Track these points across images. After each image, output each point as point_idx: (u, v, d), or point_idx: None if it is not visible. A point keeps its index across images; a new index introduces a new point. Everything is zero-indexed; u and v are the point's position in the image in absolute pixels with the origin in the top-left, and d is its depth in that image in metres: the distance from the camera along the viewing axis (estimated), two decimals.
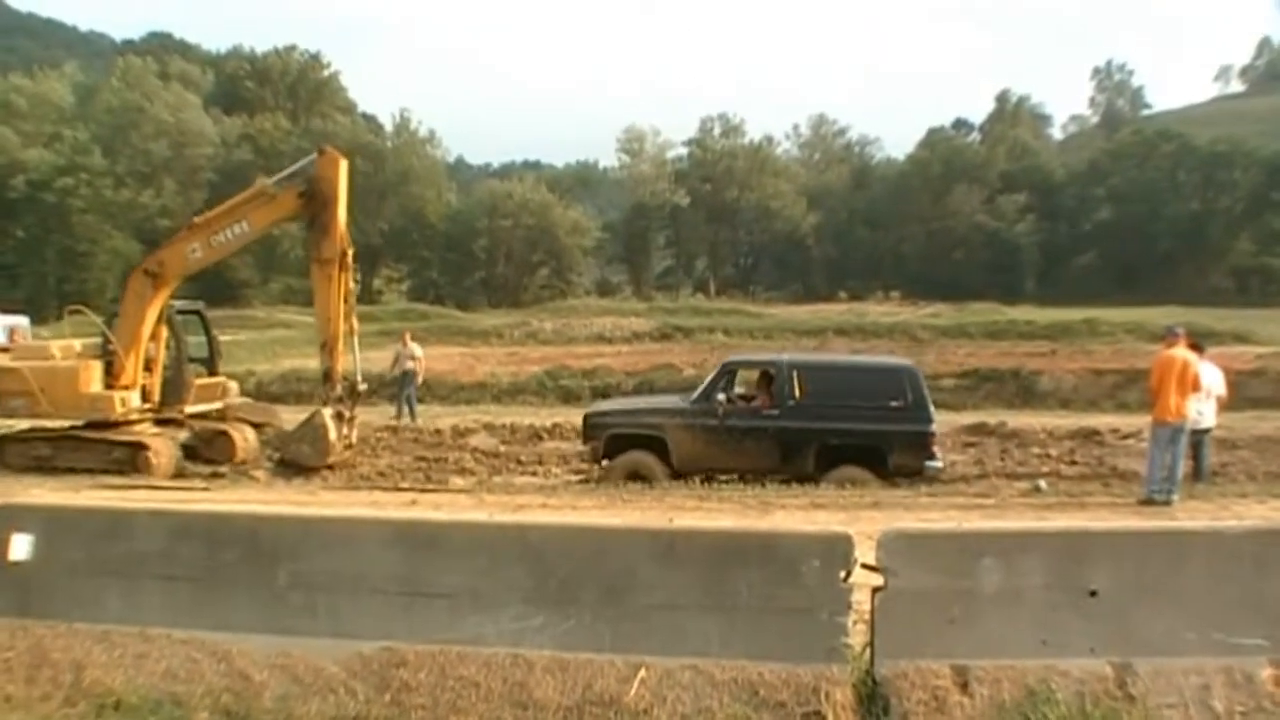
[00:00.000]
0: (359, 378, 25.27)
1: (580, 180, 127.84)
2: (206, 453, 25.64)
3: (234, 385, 28.13)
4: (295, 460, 24.37)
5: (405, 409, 32.71)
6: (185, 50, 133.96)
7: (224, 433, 25.98)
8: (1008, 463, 24.76)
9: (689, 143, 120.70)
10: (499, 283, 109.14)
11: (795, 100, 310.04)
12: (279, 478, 23.71)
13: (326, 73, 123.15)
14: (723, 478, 21.44)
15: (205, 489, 21.85)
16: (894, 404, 20.68)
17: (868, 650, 8.66)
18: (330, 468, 24.16)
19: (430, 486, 21.47)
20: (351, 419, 25.07)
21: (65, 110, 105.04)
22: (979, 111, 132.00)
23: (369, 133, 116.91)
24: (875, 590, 8.65)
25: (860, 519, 15.20)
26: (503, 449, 28.13)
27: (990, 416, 29.45)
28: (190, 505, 15.39)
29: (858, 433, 20.77)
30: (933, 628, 8.57)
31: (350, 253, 24.79)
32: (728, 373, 22.56)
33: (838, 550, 8.62)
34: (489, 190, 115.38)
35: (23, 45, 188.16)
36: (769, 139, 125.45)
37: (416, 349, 33.82)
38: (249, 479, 23.54)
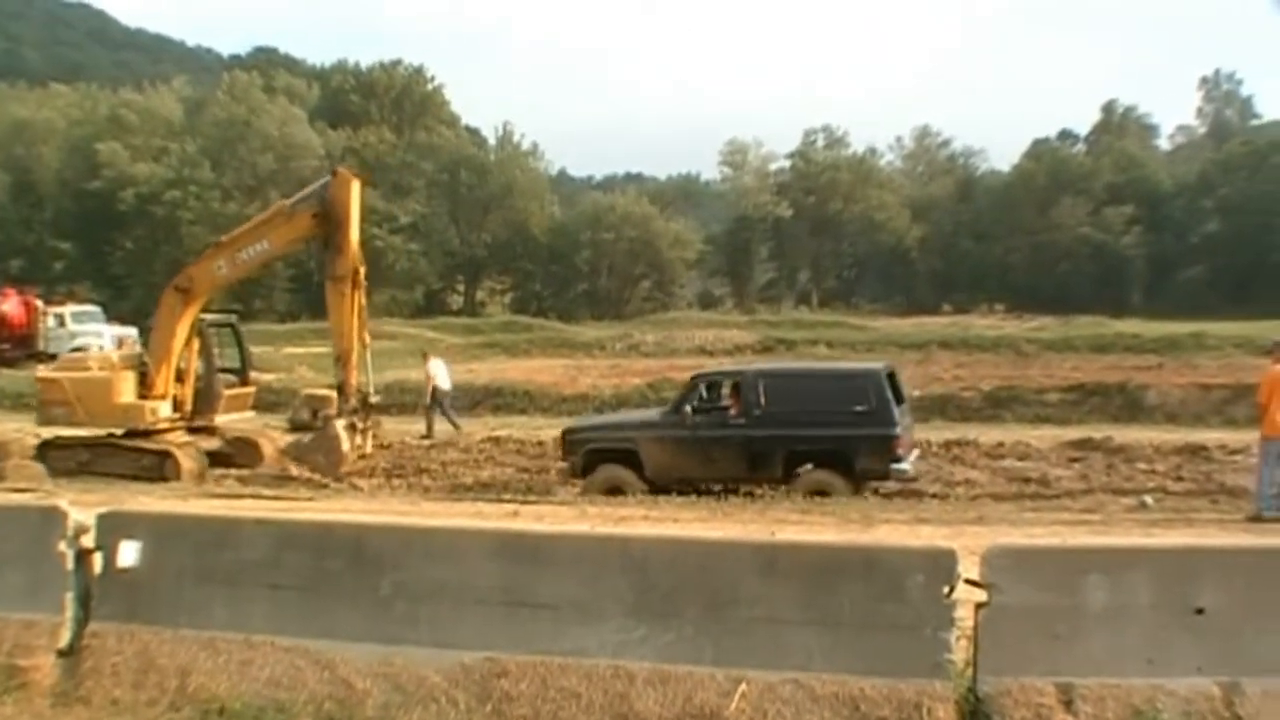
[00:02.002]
0: (371, 390, 26.14)
1: (682, 193, 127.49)
2: (237, 460, 26.56)
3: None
4: (311, 471, 25.07)
5: (438, 422, 32.80)
6: (291, 65, 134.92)
7: (252, 441, 27.02)
8: (1114, 478, 24.42)
9: (792, 155, 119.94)
10: (601, 295, 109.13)
11: (900, 111, 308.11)
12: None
13: (430, 86, 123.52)
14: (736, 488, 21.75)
15: (310, 499, 22.09)
16: (859, 409, 20.89)
17: (970, 667, 8.57)
18: (338, 479, 24.73)
19: (533, 498, 21.51)
20: (365, 430, 25.80)
21: (174, 124, 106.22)
22: (1085, 122, 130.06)
23: (473, 146, 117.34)
24: (979, 606, 8.56)
25: (964, 534, 15.05)
26: None
27: (1096, 431, 29.06)
28: (295, 514, 15.51)
29: (823, 438, 21.04)
30: (1037, 645, 8.47)
31: (362, 270, 25.55)
32: (697, 385, 22.93)
33: (942, 565, 8.54)
34: (592, 203, 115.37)
35: (132, 61, 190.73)
36: (873, 150, 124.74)
37: (431, 366, 34.04)
38: (353, 488, 23.83)
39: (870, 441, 20.80)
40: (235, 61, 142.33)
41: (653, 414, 24.09)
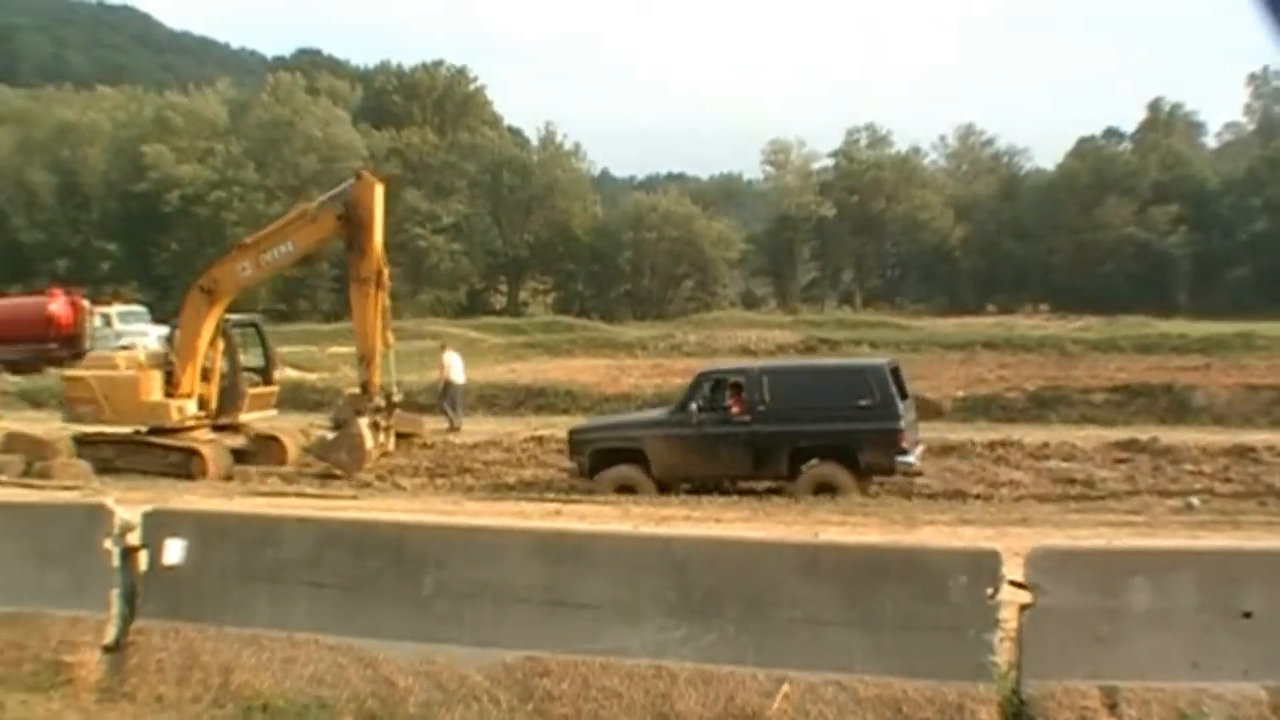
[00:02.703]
0: (395, 389, 26.48)
1: (724, 192, 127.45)
2: (261, 458, 26.96)
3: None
4: (333, 467, 25.49)
5: (452, 417, 33.02)
6: (334, 66, 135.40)
7: (276, 439, 27.43)
8: (1159, 480, 24.23)
9: (835, 154, 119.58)
10: (643, 295, 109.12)
11: (942, 110, 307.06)
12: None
13: (473, 87, 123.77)
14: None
15: (354, 497, 22.19)
16: (862, 403, 21.01)
17: (1014, 669, 8.52)
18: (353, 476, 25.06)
19: (575, 497, 21.52)
20: (388, 429, 26.17)
21: (218, 126, 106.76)
22: (1131, 120, 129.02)
23: (515, 146, 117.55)
24: (1023, 608, 8.50)
25: (1008, 535, 14.98)
26: None
27: (1141, 432, 28.82)
28: (337, 514, 15.57)
29: (827, 433, 21.19)
30: (1081, 647, 8.41)
31: (385, 272, 25.98)
32: (702, 383, 23.04)
33: (985, 566, 8.50)
34: (634, 203, 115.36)
35: (177, 63, 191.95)
36: (916, 149, 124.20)
37: (446, 358, 34.51)
38: (396, 488, 23.93)
39: (874, 435, 20.94)
40: (279, 63, 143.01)
41: (659, 413, 24.28)
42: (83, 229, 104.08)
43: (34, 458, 25.78)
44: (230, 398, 27.09)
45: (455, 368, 34.30)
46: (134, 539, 10.37)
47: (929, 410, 32.34)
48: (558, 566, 9.44)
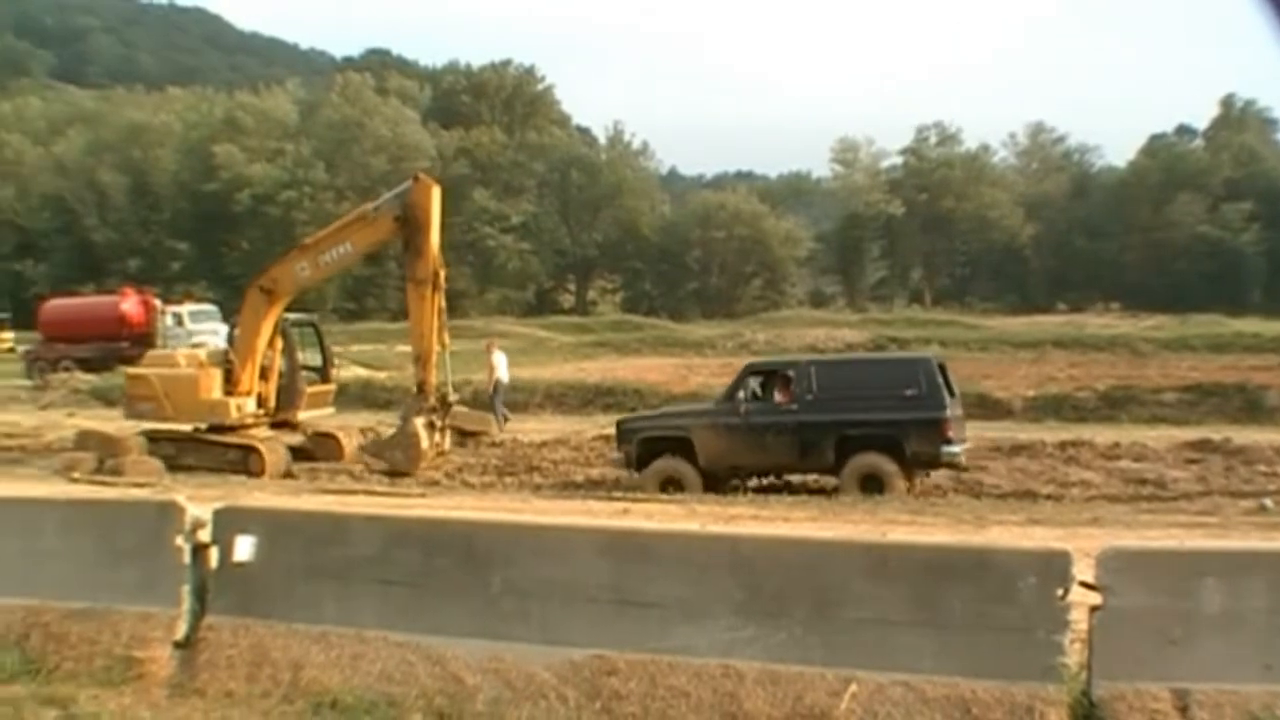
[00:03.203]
0: (450, 389, 26.61)
1: (793, 191, 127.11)
2: (318, 455, 27.40)
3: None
4: (389, 465, 25.73)
5: (501, 416, 33.19)
6: (403, 66, 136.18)
7: (333, 436, 27.85)
8: (1232, 480, 23.97)
9: (904, 152, 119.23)
10: (712, 294, 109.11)
11: (1012, 107, 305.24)
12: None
13: (541, 86, 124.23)
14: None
15: (422, 495, 22.30)
16: (909, 393, 21.10)
17: (1084, 670, 8.45)
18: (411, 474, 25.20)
19: (643, 496, 21.53)
20: (443, 428, 26.27)
21: (288, 126, 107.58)
22: (1203, 117, 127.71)
23: (583, 145, 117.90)
24: (1093, 609, 8.42)
25: (1078, 536, 14.88)
26: None
27: (1214, 432, 28.52)
28: (406, 511, 15.64)
29: (874, 422, 21.25)
30: (1151, 649, 8.33)
31: (442, 274, 26.00)
32: (750, 374, 23.35)
33: (1055, 567, 8.41)
34: (702, 201, 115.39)
35: (246, 64, 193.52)
36: (985, 147, 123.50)
37: (496, 357, 34.48)
38: (464, 486, 24.04)
39: (920, 425, 21.01)
40: (348, 63, 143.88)
41: (707, 405, 24.43)
42: (154, 229, 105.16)
43: (106, 455, 26.06)
44: (288, 396, 27.52)
45: (502, 366, 34.50)
46: (205, 536, 10.44)
47: (999, 410, 32.26)
48: (625, 565, 9.44)
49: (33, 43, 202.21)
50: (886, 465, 21.07)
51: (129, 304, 54.77)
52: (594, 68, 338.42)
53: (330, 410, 29.30)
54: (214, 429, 26.63)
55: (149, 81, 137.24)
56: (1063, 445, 26.16)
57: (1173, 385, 35.85)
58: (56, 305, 58.97)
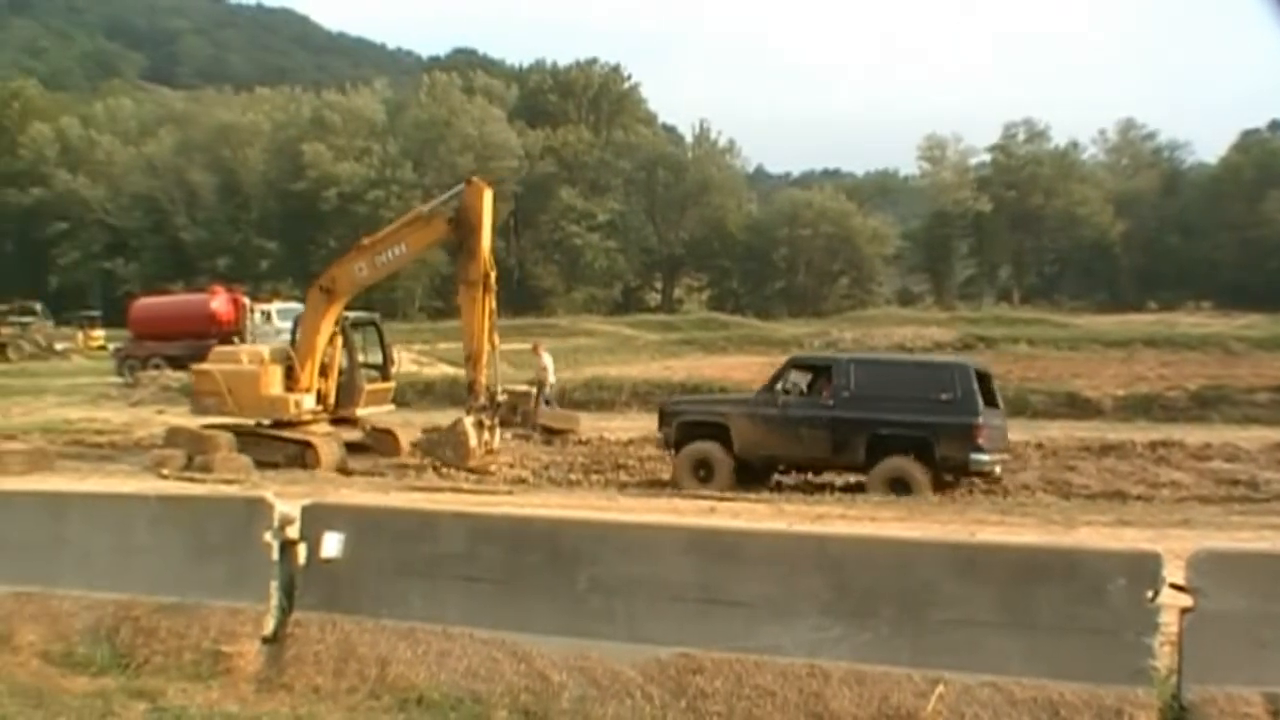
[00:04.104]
0: (499, 389, 26.90)
1: (880, 188, 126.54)
2: (376, 450, 28.48)
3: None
4: (439, 463, 26.25)
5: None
6: (489, 65, 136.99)
7: (391, 433, 28.62)
8: None
9: (992, 149, 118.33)
10: (799, 292, 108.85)
11: (1103, 105, 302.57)
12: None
13: (627, 85, 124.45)
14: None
15: (509, 493, 22.39)
16: (943, 397, 21.29)
17: (1174, 674, 8.34)
18: (472, 470, 25.59)
19: (727, 495, 21.51)
20: (492, 426, 26.48)
21: (375, 125, 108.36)
22: None
23: (670, 144, 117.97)
24: (1183, 611, 8.31)
25: (1169, 537, 14.71)
26: None
27: None
28: (492, 509, 15.68)
29: (906, 424, 21.46)
30: (1243, 652, 8.21)
31: (493, 275, 26.21)
32: (791, 368, 24.10)
33: (1145, 569, 8.32)
34: (789, 199, 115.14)
35: (333, 64, 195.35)
36: (1075, 144, 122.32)
37: (545, 358, 34.89)
38: (551, 483, 24.15)
39: (952, 429, 21.16)
40: (435, 63, 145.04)
41: (748, 394, 24.95)
42: (242, 227, 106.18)
43: (195, 451, 26.46)
44: (348, 393, 28.14)
45: (550, 368, 34.95)
46: (293, 532, 10.53)
47: (1088, 409, 32.01)
48: (712, 564, 9.42)
49: (124, 44, 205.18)
50: (914, 469, 21.31)
51: (218, 302, 55.16)
52: (681, 65, 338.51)
53: (390, 407, 29.88)
54: (276, 424, 27.35)
55: (238, 82, 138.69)
56: (1153, 445, 25.92)
57: (1266, 385, 35.37)
58: (147, 304, 59.50)
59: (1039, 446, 26.03)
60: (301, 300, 29.25)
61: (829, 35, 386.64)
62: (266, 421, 27.44)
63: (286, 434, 27.12)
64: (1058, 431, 28.29)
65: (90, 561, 11.35)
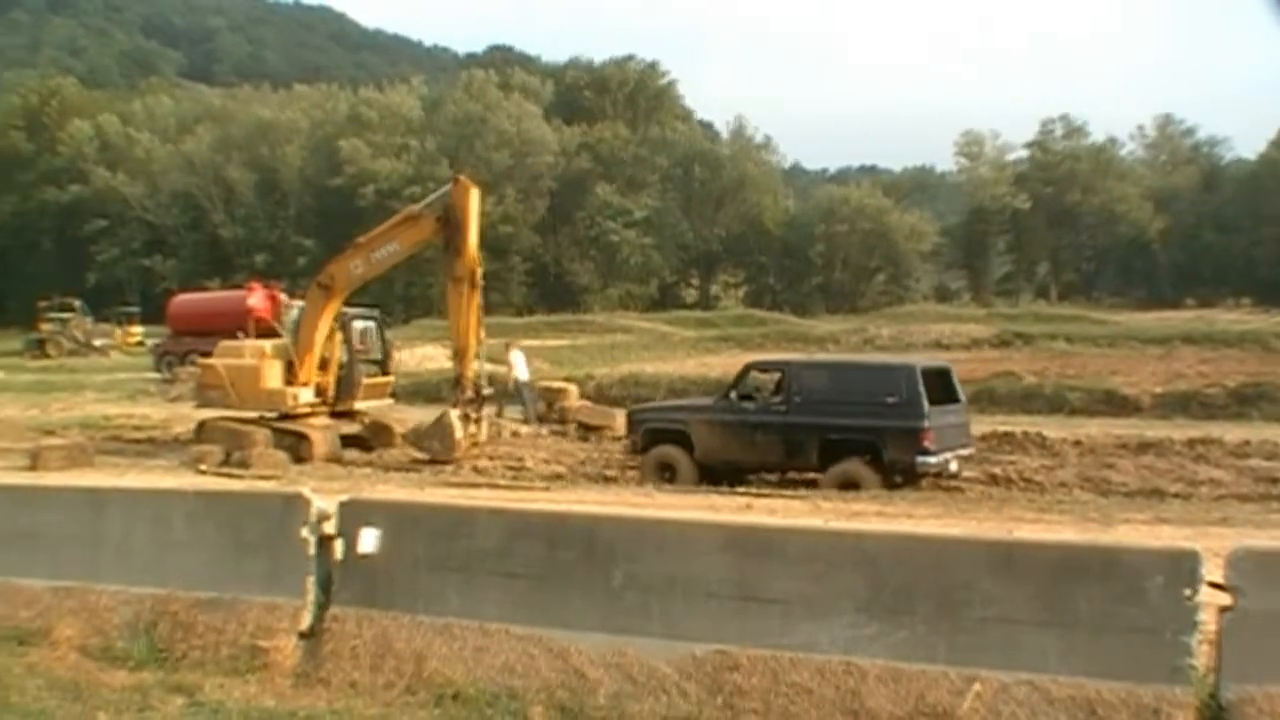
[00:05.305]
0: (485, 383, 27.63)
1: (917, 184, 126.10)
2: (374, 443, 29.09)
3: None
4: (428, 454, 26.90)
5: (529, 411, 33.86)
6: (526, 62, 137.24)
7: (387, 426, 29.22)
8: None
9: (1030, 145, 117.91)
10: (836, 288, 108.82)
11: (1139, 100, 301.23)
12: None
13: (663, 81, 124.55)
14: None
15: (545, 489, 22.43)
16: (890, 400, 21.37)
17: (1212, 673, 8.28)
18: (453, 462, 26.25)
19: (766, 491, 21.51)
20: (478, 419, 27.22)
21: (413, 122, 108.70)
22: None
23: (706, 140, 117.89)
24: (1222, 610, 8.25)
25: (1208, 535, 14.64)
26: None
27: None
28: (528, 505, 15.69)
29: (855, 428, 21.66)
30: None
31: (479, 272, 27.03)
32: (748, 373, 24.39)
33: (1184, 567, 8.25)
34: (826, 195, 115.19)
35: (371, 61, 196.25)
36: (1113, 140, 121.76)
37: (514, 356, 35.30)
38: (587, 479, 24.20)
39: (897, 433, 21.25)
40: (471, 60, 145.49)
41: (708, 400, 25.19)
42: (280, 224, 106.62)
43: (232, 447, 26.75)
44: (346, 387, 28.82)
45: (520, 365, 35.24)
46: (330, 528, 10.57)
47: (1127, 406, 31.84)
48: (748, 561, 9.40)
49: (162, 42, 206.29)
50: (865, 472, 21.42)
51: (256, 298, 55.12)
52: (717, 62, 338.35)
53: (389, 401, 30.68)
54: (282, 417, 27.98)
55: (276, 79, 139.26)
56: (1191, 443, 25.72)
57: None
58: (185, 300, 59.79)
59: (1077, 444, 25.88)
60: None
61: (866, 31, 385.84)
62: (270, 414, 28.06)
63: (286, 426, 27.79)
64: (1096, 429, 28.16)
65: (129, 556, 11.44)
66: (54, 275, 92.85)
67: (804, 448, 22.07)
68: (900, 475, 21.57)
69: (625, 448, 25.47)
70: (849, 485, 21.21)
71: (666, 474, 23.16)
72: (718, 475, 22.75)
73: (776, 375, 23.97)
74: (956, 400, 22.88)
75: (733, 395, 23.38)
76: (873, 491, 20.76)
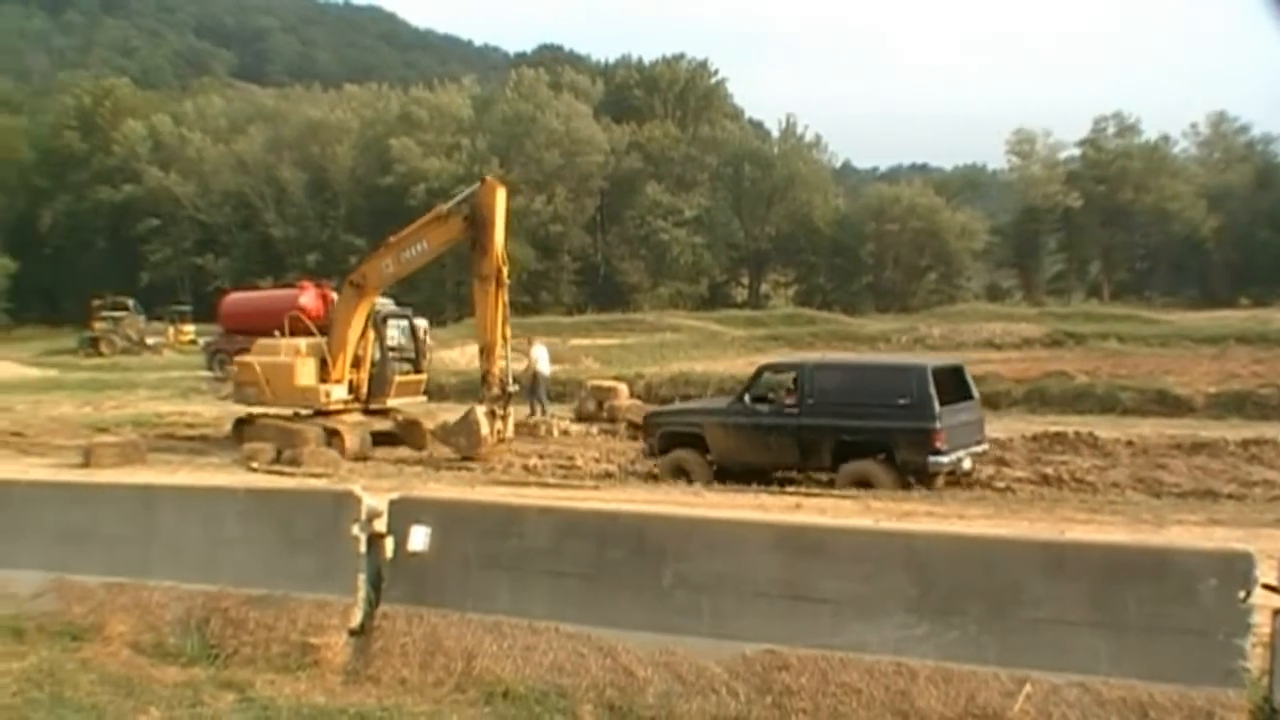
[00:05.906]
0: (510, 380, 27.68)
1: (968, 183, 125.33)
2: (405, 440, 29.59)
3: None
4: (453, 450, 27.21)
5: (538, 407, 34.28)
6: (575, 61, 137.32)
7: (418, 423, 29.61)
8: None
9: (1082, 143, 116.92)
10: (886, 287, 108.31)
11: (1192, 98, 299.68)
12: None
13: (714, 80, 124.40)
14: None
15: (595, 487, 22.47)
16: (901, 401, 21.34)
17: (1266, 676, 8.22)
18: (479, 459, 26.54)
19: (816, 490, 21.47)
20: (504, 416, 27.23)
21: (463, 121, 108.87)
22: None
23: (756, 139, 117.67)
24: (1276, 612, 8.21)
25: (1261, 536, 14.55)
26: None
27: None
28: (578, 503, 15.70)
29: (867, 429, 21.69)
30: None
31: (505, 270, 27.15)
32: (761, 375, 24.33)
33: (1237, 569, 8.20)
34: (876, 194, 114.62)
35: (421, 60, 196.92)
36: (1166, 138, 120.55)
37: (535, 351, 35.60)
38: (637, 478, 24.21)
39: (909, 434, 21.23)
40: (521, 59, 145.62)
41: (723, 403, 25.16)
42: (331, 223, 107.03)
43: (284, 445, 26.98)
44: (379, 384, 29.04)
45: (542, 360, 35.58)
46: (380, 526, 10.63)
47: (1180, 406, 31.61)
48: (798, 560, 9.40)
49: (214, 43, 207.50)
50: (878, 473, 21.43)
51: (307, 297, 55.16)
52: (767, 61, 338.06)
53: (422, 399, 30.79)
54: (317, 414, 28.33)
55: (326, 79, 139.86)
56: (1245, 443, 25.50)
57: None
58: (236, 298, 59.89)
59: (1129, 444, 25.72)
60: (387, 295, 29.67)
61: (916, 29, 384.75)
62: (305, 411, 28.48)
63: (319, 422, 28.12)
64: (1148, 429, 27.99)
65: (180, 553, 11.53)
66: (107, 274, 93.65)
67: (817, 449, 22.15)
68: (913, 475, 21.51)
69: (643, 451, 25.48)
70: (862, 484, 21.24)
71: (683, 477, 23.20)
72: (733, 477, 22.80)
73: (790, 377, 23.86)
74: (970, 397, 22.99)
75: (747, 398, 23.41)
76: (889, 491, 20.75)
